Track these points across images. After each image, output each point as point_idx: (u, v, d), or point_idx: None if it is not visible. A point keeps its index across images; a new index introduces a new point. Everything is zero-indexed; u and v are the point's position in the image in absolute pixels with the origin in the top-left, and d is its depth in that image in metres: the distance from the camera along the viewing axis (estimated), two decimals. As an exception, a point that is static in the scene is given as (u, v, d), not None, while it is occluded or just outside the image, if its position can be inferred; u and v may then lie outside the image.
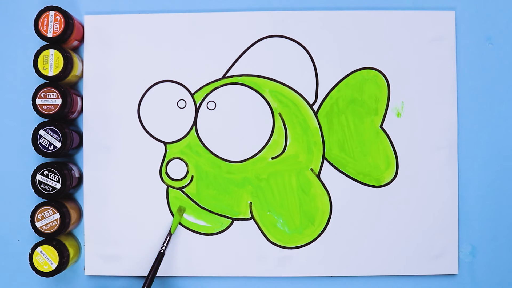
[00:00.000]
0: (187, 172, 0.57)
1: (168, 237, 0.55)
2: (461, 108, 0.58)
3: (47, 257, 0.53)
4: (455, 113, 0.57)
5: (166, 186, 0.57)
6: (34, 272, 0.53)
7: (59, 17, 0.54)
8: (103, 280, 0.57)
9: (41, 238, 0.55)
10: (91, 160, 0.57)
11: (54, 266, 0.53)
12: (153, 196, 0.57)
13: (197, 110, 0.57)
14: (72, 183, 0.55)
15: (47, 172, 0.54)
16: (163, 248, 0.55)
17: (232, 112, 0.57)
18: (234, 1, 0.58)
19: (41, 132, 0.53)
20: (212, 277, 0.57)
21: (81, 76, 0.57)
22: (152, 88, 0.57)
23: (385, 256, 0.57)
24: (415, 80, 0.57)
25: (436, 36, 0.57)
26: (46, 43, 0.55)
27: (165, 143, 0.57)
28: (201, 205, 0.57)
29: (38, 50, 0.54)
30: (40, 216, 0.54)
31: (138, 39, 0.57)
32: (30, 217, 0.53)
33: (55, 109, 0.53)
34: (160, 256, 0.55)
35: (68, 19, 0.54)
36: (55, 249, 0.53)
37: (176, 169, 0.57)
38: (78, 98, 0.56)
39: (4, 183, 0.57)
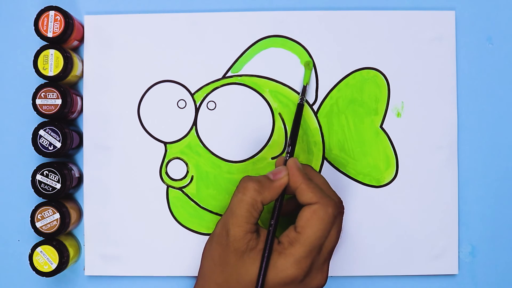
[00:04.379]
0: (187, 172, 0.57)
1: (304, 89, 0.56)
2: (461, 108, 0.58)
3: (47, 257, 0.53)
4: (455, 113, 0.57)
5: (166, 186, 0.57)
6: (34, 272, 0.53)
7: (59, 17, 0.54)
8: (103, 280, 0.57)
9: (41, 238, 0.55)
10: (91, 160, 0.57)
11: (54, 266, 0.53)
12: (153, 196, 0.57)
13: (197, 110, 0.57)
14: (72, 183, 0.55)
15: (47, 172, 0.54)
16: (302, 99, 0.55)
17: (232, 112, 0.57)
18: (234, 1, 0.58)
19: (41, 132, 0.53)
20: (212, 277, 0.57)
21: (81, 76, 0.57)
22: (152, 88, 0.57)
23: (385, 256, 0.57)
24: (415, 80, 0.57)
25: (436, 36, 0.57)
26: (46, 43, 0.55)
27: (165, 143, 0.57)
28: (201, 205, 0.57)
29: (38, 50, 0.54)
30: (40, 216, 0.54)
31: (138, 39, 0.57)
32: (30, 217, 0.54)
33: (55, 109, 0.53)
34: (300, 108, 0.54)
35: (68, 19, 0.54)
36: (55, 249, 0.53)
37: (176, 169, 0.57)
38: (78, 98, 0.56)
39: (4, 183, 0.57)
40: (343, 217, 0.51)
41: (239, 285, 0.47)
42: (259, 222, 0.54)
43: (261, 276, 0.46)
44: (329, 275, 0.56)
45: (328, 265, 0.49)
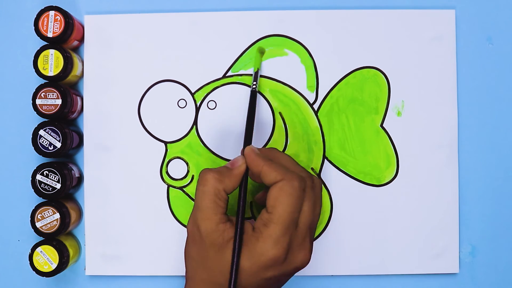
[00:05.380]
0: (188, 171, 0.57)
1: (256, 75, 0.55)
2: (461, 107, 0.58)
3: (47, 257, 0.53)
4: (455, 112, 0.57)
5: (166, 186, 0.57)
6: (34, 272, 0.53)
7: (59, 17, 0.54)
8: (104, 280, 0.57)
9: (41, 238, 0.55)
10: (91, 160, 0.57)
11: (54, 266, 0.53)
12: (153, 196, 0.57)
13: (197, 109, 0.57)
14: (72, 183, 0.55)
15: (47, 172, 0.53)
16: (254, 85, 0.54)
17: (232, 112, 0.57)
18: (234, 1, 0.58)
19: (41, 132, 0.53)
20: (213, 277, 0.57)
21: (81, 76, 0.57)
22: (152, 87, 0.57)
23: (385, 255, 0.56)
24: (415, 79, 0.57)
25: (436, 35, 0.57)
26: (46, 43, 0.55)
27: (165, 143, 0.57)
28: (201, 205, 0.57)
29: (38, 50, 0.54)
30: (40, 216, 0.53)
31: (138, 39, 0.57)
32: (30, 217, 0.53)
33: (55, 109, 0.53)
34: (253, 94, 0.54)
35: (68, 19, 0.54)
36: (55, 249, 0.53)
37: (177, 169, 0.57)
38: (78, 98, 0.56)
39: (4, 183, 0.57)
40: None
41: (223, 277, 0.47)
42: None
43: (234, 265, 0.46)
44: (329, 274, 0.57)
45: (311, 242, 0.48)
